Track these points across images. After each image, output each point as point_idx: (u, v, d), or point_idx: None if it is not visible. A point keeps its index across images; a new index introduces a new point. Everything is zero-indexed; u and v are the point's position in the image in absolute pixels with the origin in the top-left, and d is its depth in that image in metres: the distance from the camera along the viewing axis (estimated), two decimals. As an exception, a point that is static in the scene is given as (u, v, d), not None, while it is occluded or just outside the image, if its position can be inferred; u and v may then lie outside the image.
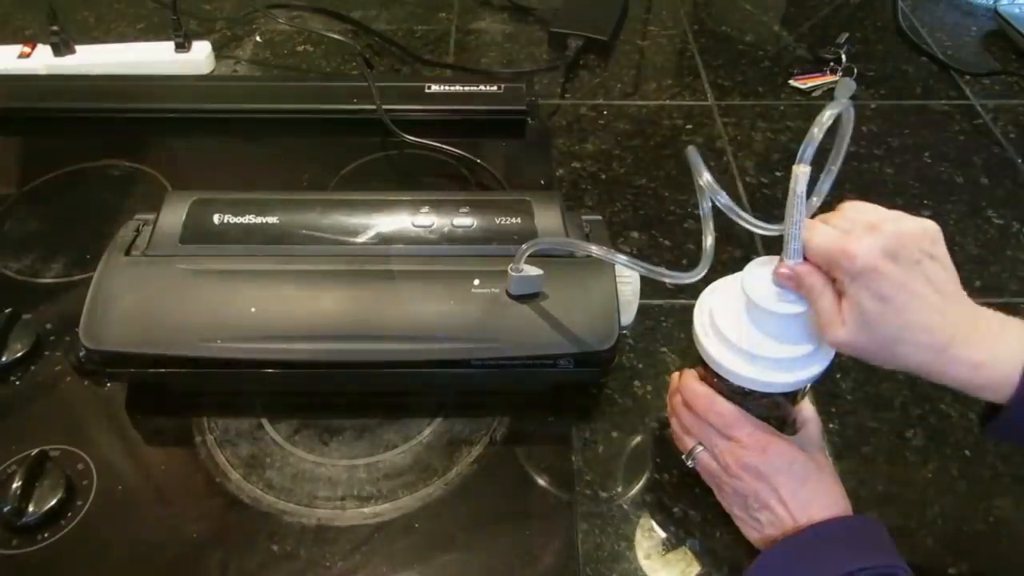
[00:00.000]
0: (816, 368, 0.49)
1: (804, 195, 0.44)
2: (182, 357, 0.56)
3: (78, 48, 0.93)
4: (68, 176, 0.83)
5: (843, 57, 0.99)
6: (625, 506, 0.58)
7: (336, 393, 0.64)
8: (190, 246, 0.60)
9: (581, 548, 0.55)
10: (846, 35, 1.02)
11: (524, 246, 0.54)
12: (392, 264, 0.60)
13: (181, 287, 0.58)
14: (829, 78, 0.97)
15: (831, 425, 0.62)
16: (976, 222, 0.80)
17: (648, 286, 0.61)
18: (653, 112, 0.93)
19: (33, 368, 0.64)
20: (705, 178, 0.46)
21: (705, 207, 0.47)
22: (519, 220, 0.63)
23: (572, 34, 1.00)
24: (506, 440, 0.61)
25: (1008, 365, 0.44)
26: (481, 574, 0.54)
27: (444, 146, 0.84)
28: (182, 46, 0.94)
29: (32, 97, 0.89)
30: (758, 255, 0.58)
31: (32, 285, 0.71)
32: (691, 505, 0.57)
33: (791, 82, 0.97)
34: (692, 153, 0.47)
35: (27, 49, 0.93)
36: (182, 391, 0.63)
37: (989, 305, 0.46)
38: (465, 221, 0.62)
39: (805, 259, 0.46)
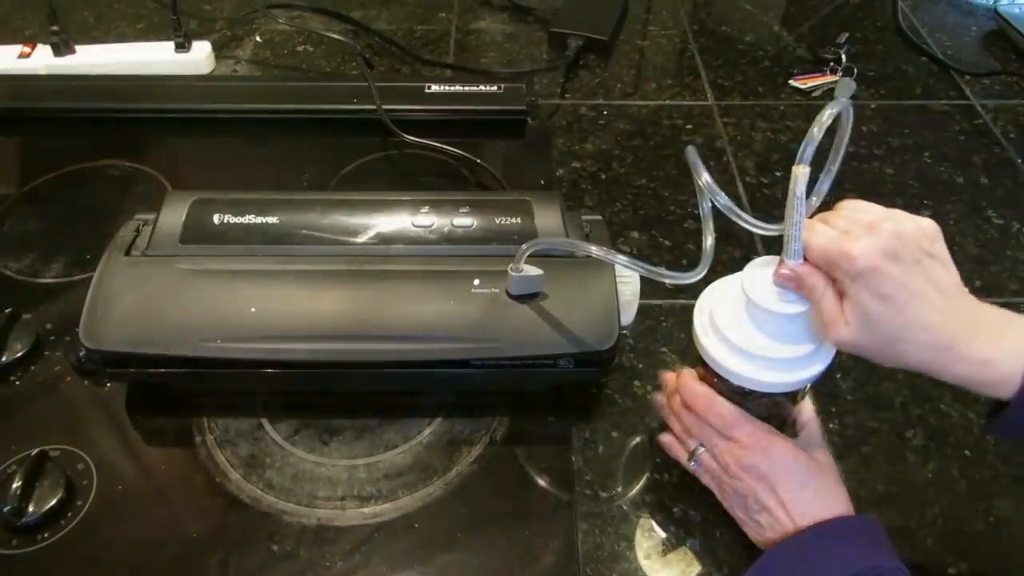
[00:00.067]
0: (816, 368, 0.49)
1: (804, 196, 0.44)
2: (182, 357, 0.56)
3: (78, 48, 0.93)
4: (68, 176, 0.83)
5: (843, 57, 0.99)
6: (625, 506, 0.58)
7: (336, 393, 0.64)
8: (190, 246, 0.60)
9: (581, 548, 0.55)
10: (846, 35, 1.02)
11: (524, 246, 0.54)
12: (392, 264, 0.60)
13: (181, 287, 0.58)
14: (829, 78, 0.97)
15: (831, 425, 0.62)
16: (976, 222, 0.80)
17: (648, 286, 0.61)
18: (653, 112, 0.93)
19: (33, 368, 0.64)
20: (705, 178, 0.46)
21: (705, 207, 0.47)
22: (519, 220, 0.63)
23: (572, 34, 1.00)
24: (506, 440, 0.61)
25: (1012, 362, 0.44)
26: (481, 574, 0.54)
27: (444, 146, 0.84)
28: (182, 46, 0.94)
29: (32, 97, 0.89)
30: (758, 255, 0.58)
31: (32, 285, 0.71)
32: (691, 505, 0.57)
33: (791, 82, 0.97)
34: (692, 153, 0.47)
35: (27, 49, 0.93)
36: (182, 391, 0.63)
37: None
38: (465, 221, 0.62)
39: (805, 259, 0.46)
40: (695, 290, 0.53)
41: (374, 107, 0.84)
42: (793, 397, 0.53)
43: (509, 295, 0.57)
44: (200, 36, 0.98)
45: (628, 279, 0.60)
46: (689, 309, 0.54)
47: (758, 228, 0.47)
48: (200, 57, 0.95)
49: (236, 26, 1.04)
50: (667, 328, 0.69)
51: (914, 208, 0.46)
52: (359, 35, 1.03)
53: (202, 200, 0.63)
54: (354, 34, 1.02)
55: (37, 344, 0.65)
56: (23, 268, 0.73)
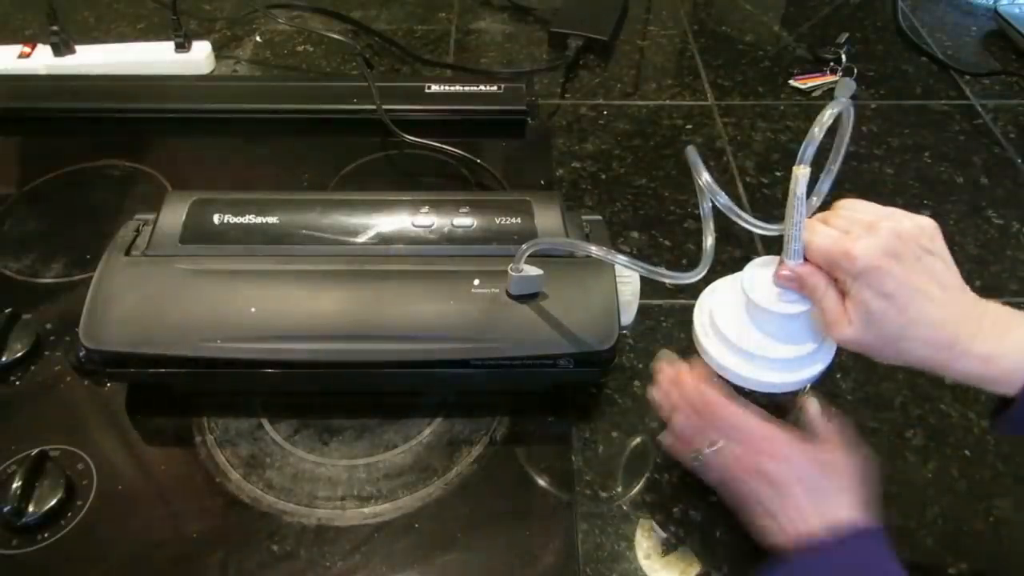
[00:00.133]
0: (817, 368, 0.49)
1: (804, 196, 0.44)
2: (182, 357, 0.56)
3: (78, 48, 0.93)
4: (68, 176, 0.83)
5: (843, 57, 0.99)
6: (625, 506, 0.58)
7: (336, 393, 0.64)
8: (190, 246, 0.60)
9: (581, 548, 0.55)
10: (846, 35, 1.02)
11: (524, 246, 0.54)
12: (392, 264, 0.60)
13: (181, 287, 0.58)
14: (829, 78, 0.97)
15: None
16: (976, 222, 0.80)
17: (648, 286, 0.61)
18: (653, 112, 0.93)
19: (33, 368, 0.64)
20: (705, 178, 0.46)
21: (705, 207, 0.47)
22: (519, 220, 0.63)
23: (572, 34, 1.00)
24: (506, 440, 0.61)
25: (1015, 358, 0.44)
26: (481, 574, 0.54)
27: (444, 146, 0.84)
28: (182, 46, 0.94)
29: (32, 97, 0.89)
30: (758, 255, 0.58)
31: (32, 285, 0.71)
32: (691, 505, 0.57)
33: (791, 82, 0.97)
34: (692, 153, 0.47)
35: (27, 49, 0.93)
36: (182, 391, 0.62)
37: (989, 305, 0.47)
38: (465, 221, 0.62)
39: (805, 260, 0.46)
40: (695, 290, 0.53)
41: (374, 107, 0.84)
42: (793, 397, 0.53)
43: (509, 295, 0.57)
44: (200, 36, 0.98)
45: (628, 279, 0.60)
46: (689, 309, 0.54)
47: (758, 228, 0.47)
48: (200, 57, 0.95)
49: (236, 26, 1.04)
50: (667, 328, 0.69)
51: (914, 208, 0.46)
52: (359, 35, 1.03)
53: (202, 200, 0.63)
54: (354, 34, 1.02)
55: (37, 344, 0.65)
56: (23, 268, 0.73)
